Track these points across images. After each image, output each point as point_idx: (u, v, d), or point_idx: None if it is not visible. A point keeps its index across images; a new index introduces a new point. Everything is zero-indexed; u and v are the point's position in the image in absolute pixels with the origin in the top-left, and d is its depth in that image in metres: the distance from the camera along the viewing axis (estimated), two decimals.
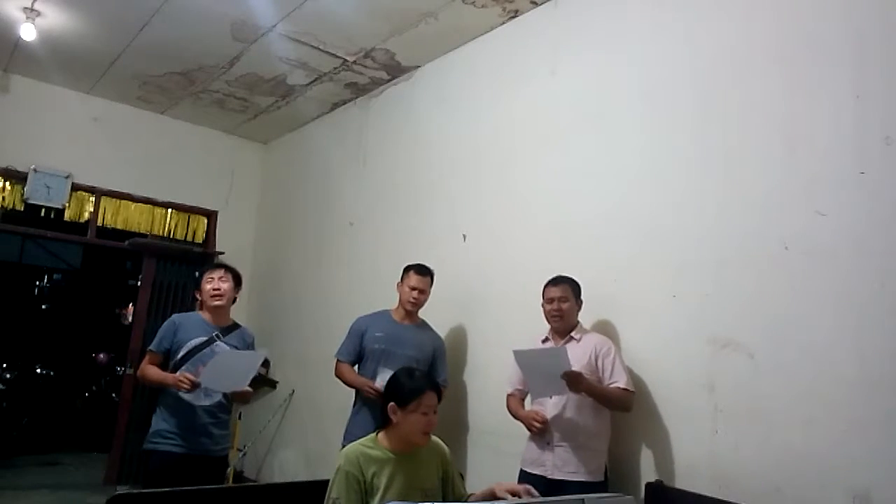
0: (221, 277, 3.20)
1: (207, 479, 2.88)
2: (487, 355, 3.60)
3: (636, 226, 2.99)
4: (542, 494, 2.56)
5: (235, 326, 3.27)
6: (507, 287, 3.56)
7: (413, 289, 3.53)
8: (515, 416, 2.92)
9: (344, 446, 3.35)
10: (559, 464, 2.72)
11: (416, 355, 3.45)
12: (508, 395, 3.03)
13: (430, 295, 3.63)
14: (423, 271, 3.57)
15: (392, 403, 2.18)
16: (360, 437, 3.17)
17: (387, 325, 3.55)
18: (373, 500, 2.08)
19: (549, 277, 2.96)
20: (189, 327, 3.12)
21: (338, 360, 3.57)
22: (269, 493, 2.69)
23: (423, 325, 3.65)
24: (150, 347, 3.13)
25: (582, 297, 2.92)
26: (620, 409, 2.75)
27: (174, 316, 3.23)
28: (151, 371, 3.05)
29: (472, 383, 3.71)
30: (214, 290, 3.16)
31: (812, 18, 2.51)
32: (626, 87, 3.17)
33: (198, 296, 3.29)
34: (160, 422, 3.02)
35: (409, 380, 2.22)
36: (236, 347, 3.18)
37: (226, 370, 2.99)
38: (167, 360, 3.08)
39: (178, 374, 2.96)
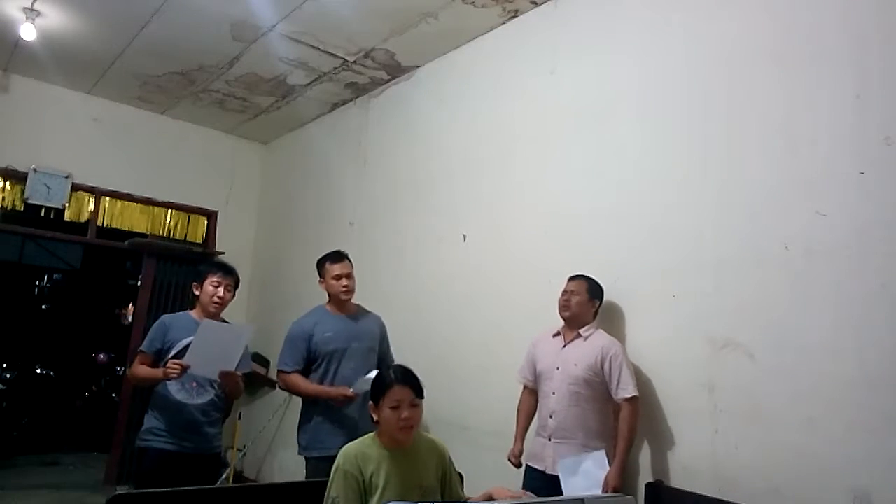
0: (228, 286, 3.17)
1: (201, 477, 2.88)
2: (487, 355, 3.60)
3: (636, 226, 2.99)
4: (542, 489, 2.59)
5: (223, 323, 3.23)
6: (508, 287, 3.56)
7: (339, 277, 3.29)
8: None
9: (306, 458, 3.29)
10: (558, 460, 2.73)
11: (371, 344, 3.33)
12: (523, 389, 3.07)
13: (428, 294, 3.59)
14: (339, 257, 3.36)
15: (371, 402, 2.23)
16: (319, 450, 3.18)
17: (331, 322, 3.31)
18: (372, 498, 2.09)
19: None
20: (179, 327, 3.08)
21: (281, 372, 3.29)
22: (269, 493, 2.68)
23: (362, 311, 3.45)
24: (142, 348, 3.11)
25: (600, 300, 2.92)
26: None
27: (164, 317, 3.20)
28: (141, 370, 3.04)
29: (472, 383, 3.70)
30: (219, 297, 3.14)
31: (812, 18, 2.51)
32: (626, 87, 3.17)
33: (196, 291, 3.21)
34: (152, 419, 3.02)
35: (381, 376, 2.27)
36: None
37: (212, 347, 2.94)
38: (158, 361, 3.05)
39: (166, 367, 2.91)
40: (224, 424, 5.41)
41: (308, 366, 3.27)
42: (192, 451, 3.00)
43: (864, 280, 2.22)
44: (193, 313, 3.20)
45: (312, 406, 3.29)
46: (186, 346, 3.01)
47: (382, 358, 3.39)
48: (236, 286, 3.26)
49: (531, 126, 3.64)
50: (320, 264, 3.38)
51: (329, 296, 3.37)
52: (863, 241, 2.25)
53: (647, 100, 3.06)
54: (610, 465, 2.64)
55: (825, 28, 2.46)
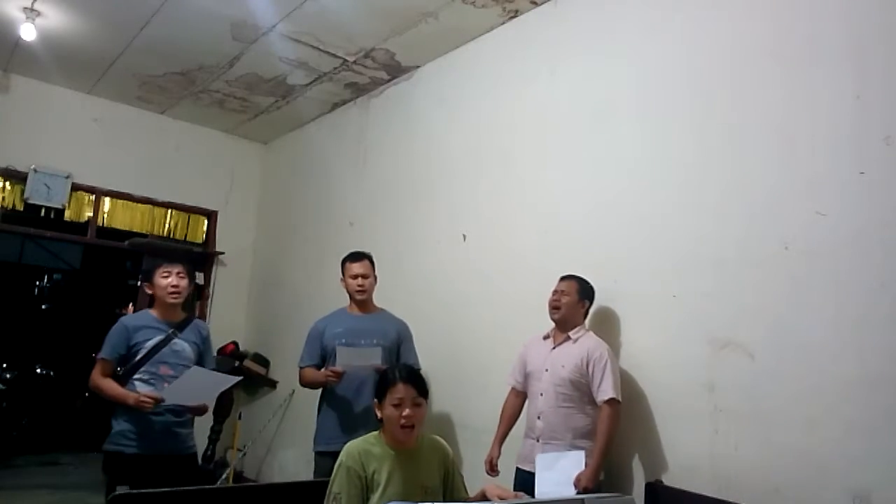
0: (180, 273, 3.03)
1: (179, 479, 2.71)
2: (487, 355, 3.60)
3: (636, 226, 2.99)
4: (533, 490, 2.59)
5: (189, 320, 3.15)
6: (507, 287, 3.56)
7: (355, 276, 3.42)
8: None
9: (315, 451, 3.32)
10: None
11: (380, 342, 3.34)
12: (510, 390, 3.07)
13: (428, 294, 3.59)
14: (358, 256, 3.47)
15: (375, 400, 2.25)
16: (328, 442, 3.22)
17: (345, 320, 3.45)
18: (374, 495, 2.10)
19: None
20: (142, 329, 2.98)
21: (300, 369, 3.44)
22: (269, 493, 2.69)
23: (384, 313, 3.55)
24: (103, 356, 2.94)
25: (590, 301, 2.92)
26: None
27: (123, 319, 3.06)
28: (107, 385, 2.90)
29: (472, 383, 3.70)
30: (174, 286, 3.01)
31: (812, 18, 2.51)
32: (626, 87, 3.17)
33: (149, 290, 3.06)
34: (122, 423, 2.90)
35: (385, 373, 2.28)
36: (195, 343, 3.09)
37: (194, 387, 2.92)
38: (122, 366, 2.95)
39: (139, 395, 2.84)
40: (224, 424, 5.49)
41: (323, 362, 3.40)
42: (166, 454, 2.93)
43: (864, 280, 2.22)
44: (153, 311, 3.07)
45: (321, 401, 3.43)
46: (154, 348, 2.94)
47: (401, 360, 3.39)
48: (190, 274, 3.12)
49: (531, 126, 3.64)
50: (342, 263, 3.52)
51: (349, 296, 3.50)
52: (863, 241, 2.25)
53: (647, 100, 3.06)
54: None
55: (825, 28, 2.46)
